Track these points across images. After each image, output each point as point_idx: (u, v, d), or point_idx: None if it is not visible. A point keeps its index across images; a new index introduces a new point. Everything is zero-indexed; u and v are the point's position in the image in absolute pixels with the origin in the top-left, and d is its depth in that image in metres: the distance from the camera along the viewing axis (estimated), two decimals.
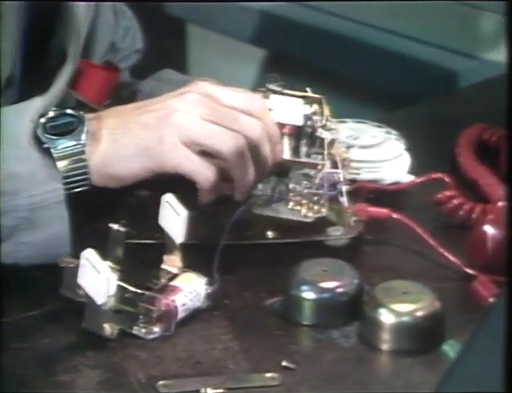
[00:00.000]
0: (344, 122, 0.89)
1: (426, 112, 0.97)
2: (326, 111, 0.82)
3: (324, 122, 0.81)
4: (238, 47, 1.38)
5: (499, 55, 1.11)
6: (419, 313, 0.71)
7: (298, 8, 1.30)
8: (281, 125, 0.80)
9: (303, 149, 0.81)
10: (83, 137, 0.74)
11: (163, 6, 1.47)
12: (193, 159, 0.74)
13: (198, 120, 0.74)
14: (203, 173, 0.75)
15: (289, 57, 1.28)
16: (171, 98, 0.76)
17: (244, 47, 1.38)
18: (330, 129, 0.81)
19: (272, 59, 1.36)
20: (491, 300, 0.70)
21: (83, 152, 0.74)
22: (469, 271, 0.75)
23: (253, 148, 0.75)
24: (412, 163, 0.87)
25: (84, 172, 0.74)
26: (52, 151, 0.74)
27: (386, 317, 0.71)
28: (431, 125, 0.93)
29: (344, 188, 0.79)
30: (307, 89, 0.82)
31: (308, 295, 0.73)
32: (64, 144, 0.74)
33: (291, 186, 0.79)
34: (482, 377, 0.59)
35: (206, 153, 0.75)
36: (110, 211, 0.78)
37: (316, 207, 0.79)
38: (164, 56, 0.98)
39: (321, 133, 0.80)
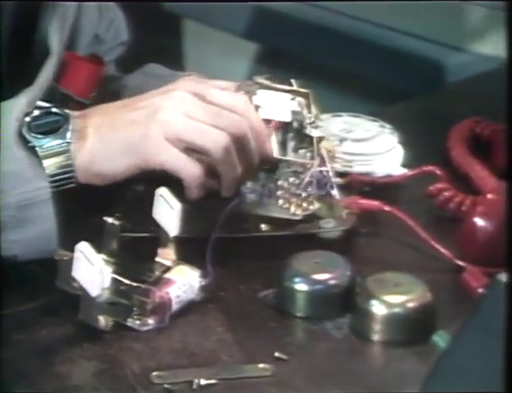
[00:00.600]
0: (339, 116, 0.89)
1: (420, 106, 0.96)
2: (314, 107, 0.81)
3: (312, 119, 0.80)
4: (234, 42, 1.37)
5: (490, 48, 1.11)
6: (411, 305, 0.70)
7: (294, 4, 1.29)
8: (268, 120, 0.79)
9: (291, 144, 0.80)
10: (69, 135, 0.74)
11: (161, 3, 1.46)
12: (179, 156, 0.74)
13: (183, 118, 0.74)
14: (188, 169, 0.74)
15: (285, 52, 1.28)
16: (157, 96, 0.75)
17: (240, 42, 1.37)
18: (318, 127, 0.80)
19: (268, 54, 1.36)
20: (480, 290, 0.69)
21: (68, 151, 0.73)
22: (460, 263, 0.74)
23: (238, 144, 0.75)
24: (405, 156, 0.86)
25: (70, 170, 0.73)
26: (38, 149, 0.73)
27: (378, 308, 0.70)
28: (425, 119, 0.92)
29: (335, 181, 0.79)
30: (292, 81, 0.81)
31: (301, 287, 0.72)
32: (49, 143, 0.73)
33: (280, 183, 0.79)
34: (471, 368, 0.59)
35: (192, 150, 0.74)
36: (107, 205, 0.77)
37: (304, 204, 0.79)
38: (162, 52, 0.98)
39: (309, 131, 0.80)
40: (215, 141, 0.74)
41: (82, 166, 0.73)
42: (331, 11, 1.25)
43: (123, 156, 0.73)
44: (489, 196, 0.73)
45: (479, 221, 0.72)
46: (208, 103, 0.75)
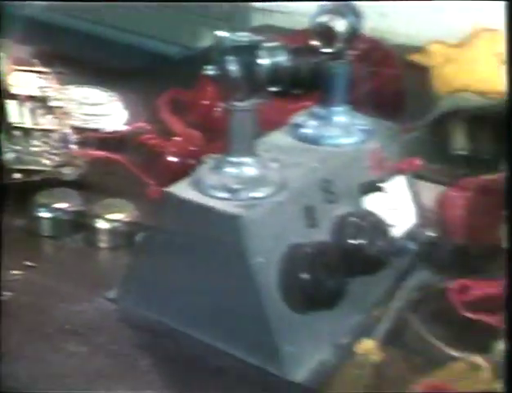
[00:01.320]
0: (80, 86, 1.08)
1: (145, 85, 1.14)
2: (56, 83, 0.98)
3: (55, 93, 0.97)
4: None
5: (197, 43, 1.31)
6: (125, 220, 0.89)
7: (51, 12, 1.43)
8: (22, 95, 0.96)
9: (40, 112, 0.97)
10: None
11: None
12: None
13: None
14: None
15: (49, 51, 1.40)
16: None
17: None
18: (60, 99, 0.97)
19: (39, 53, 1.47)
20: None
21: None
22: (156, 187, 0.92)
23: None
24: (129, 117, 1.05)
25: None
26: None
27: (102, 224, 0.89)
28: (147, 90, 1.10)
29: (74, 139, 0.96)
30: (35, 61, 0.98)
31: (46, 214, 0.90)
32: None
33: (34, 143, 0.95)
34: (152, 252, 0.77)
35: None
36: None
37: (52, 157, 0.95)
38: None
39: (53, 101, 0.96)
40: None
41: None
42: (79, 18, 1.39)
43: None
44: (176, 139, 0.93)
45: (170, 158, 0.92)
46: None
